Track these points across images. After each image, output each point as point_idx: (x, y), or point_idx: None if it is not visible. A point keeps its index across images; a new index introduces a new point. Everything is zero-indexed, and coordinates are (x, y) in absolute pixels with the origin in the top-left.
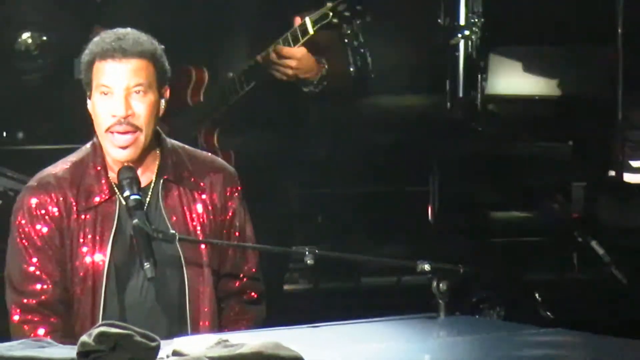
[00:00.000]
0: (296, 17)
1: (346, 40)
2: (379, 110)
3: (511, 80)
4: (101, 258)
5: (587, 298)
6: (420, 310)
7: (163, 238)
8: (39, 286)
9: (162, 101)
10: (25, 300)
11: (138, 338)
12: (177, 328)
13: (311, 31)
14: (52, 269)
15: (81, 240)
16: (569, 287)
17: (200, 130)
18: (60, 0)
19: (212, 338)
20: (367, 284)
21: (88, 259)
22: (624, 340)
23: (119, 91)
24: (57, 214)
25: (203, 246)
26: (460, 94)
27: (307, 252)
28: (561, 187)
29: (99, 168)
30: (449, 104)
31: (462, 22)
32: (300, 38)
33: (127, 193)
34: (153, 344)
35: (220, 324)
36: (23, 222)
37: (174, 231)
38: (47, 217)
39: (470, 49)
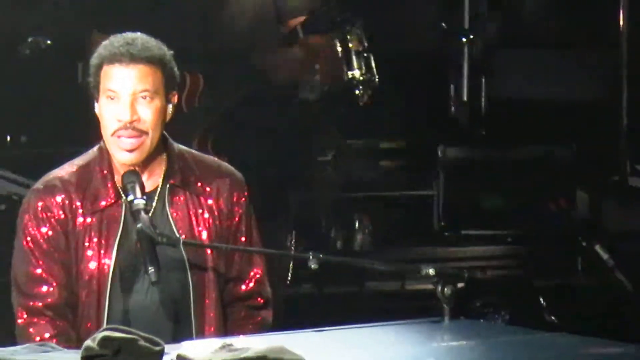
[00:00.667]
0: (289, 22)
1: (350, 45)
2: (383, 114)
3: (515, 84)
4: (107, 262)
5: (591, 302)
6: (424, 315)
7: (167, 242)
8: (45, 288)
9: (170, 106)
10: (31, 303)
11: (142, 342)
12: (182, 332)
13: (301, 35)
14: (58, 271)
15: (87, 243)
16: (574, 291)
17: (194, 137)
18: (64, 5)
19: (217, 342)
20: (372, 288)
21: (93, 263)
22: (628, 345)
23: (126, 96)
24: (62, 216)
25: (209, 251)
26: (465, 98)
27: (311, 257)
28: (565, 191)
29: (105, 172)
30: (453, 108)
31: (466, 25)
32: (292, 43)
33: (131, 197)
34: (157, 348)
35: (227, 329)
36: (29, 224)
37: (178, 235)
38: (52, 220)
39: (474, 53)
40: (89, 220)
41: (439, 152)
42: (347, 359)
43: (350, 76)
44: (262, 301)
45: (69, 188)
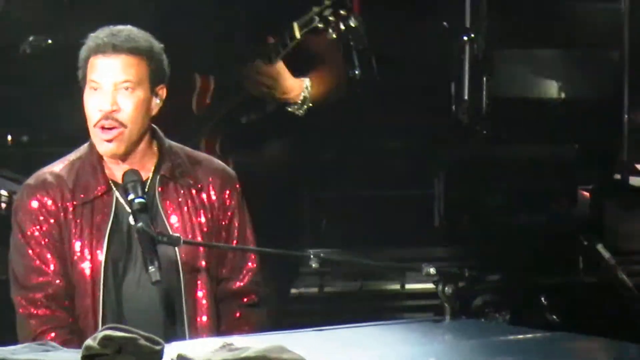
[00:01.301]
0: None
1: (351, 44)
2: (385, 113)
3: (516, 82)
4: (98, 252)
5: (592, 302)
6: (425, 314)
7: (167, 242)
8: (43, 279)
9: (156, 100)
10: (31, 294)
11: (142, 341)
12: (174, 323)
13: (298, 36)
14: (54, 262)
15: (79, 234)
16: (575, 290)
17: (202, 138)
18: (66, 4)
19: (217, 341)
20: (372, 287)
21: (87, 253)
22: (630, 344)
23: (107, 86)
24: (54, 208)
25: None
26: (466, 97)
27: (312, 256)
28: (567, 190)
29: (95, 164)
30: (454, 107)
31: (467, 24)
32: (289, 43)
33: (131, 196)
34: (157, 347)
35: (222, 329)
36: (24, 219)
37: (177, 235)
38: (46, 213)
39: (475, 52)
40: (80, 211)
41: (440, 151)
42: (347, 358)
43: (351, 75)
44: (256, 299)
45: (60, 181)
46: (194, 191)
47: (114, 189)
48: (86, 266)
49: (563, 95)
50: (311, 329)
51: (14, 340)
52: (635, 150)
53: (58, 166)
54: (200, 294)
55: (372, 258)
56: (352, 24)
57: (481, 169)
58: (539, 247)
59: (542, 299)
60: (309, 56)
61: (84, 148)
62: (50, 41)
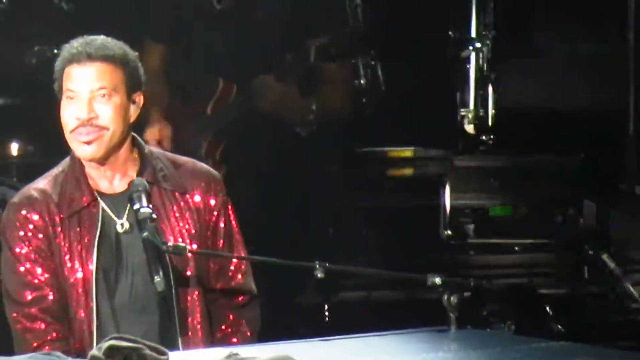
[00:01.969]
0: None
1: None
2: (390, 123)
3: (522, 93)
4: (88, 263)
5: (598, 312)
6: (431, 324)
7: (173, 251)
8: (37, 293)
9: (133, 107)
10: (26, 310)
11: (148, 351)
12: (168, 329)
13: (311, 59)
14: (47, 276)
15: (67, 246)
16: (580, 300)
17: (206, 139)
18: (71, 15)
19: (223, 351)
20: (378, 297)
21: (77, 265)
22: (635, 354)
23: (83, 94)
24: (42, 224)
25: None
26: (471, 107)
27: (317, 266)
28: (573, 200)
29: (78, 176)
30: (459, 117)
31: (473, 34)
32: (302, 65)
33: (137, 206)
34: (162, 357)
35: (216, 332)
36: (12, 237)
37: (184, 244)
38: (33, 229)
39: (481, 62)
40: (67, 223)
41: (445, 160)
42: None
43: (357, 85)
44: (246, 299)
45: (45, 196)
46: (177, 195)
47: (99, 198)
48: (77, 277)
49: (569, 105)
50: (317, 338)
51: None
52: None
53: (42, 182)
54: (191, 298)
55: (378, 268)
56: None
57: (487, 178)
58: (544, 257)
59: (547, 309)
60: (319, 76)
61: (65, 162)
62: (55, 51)
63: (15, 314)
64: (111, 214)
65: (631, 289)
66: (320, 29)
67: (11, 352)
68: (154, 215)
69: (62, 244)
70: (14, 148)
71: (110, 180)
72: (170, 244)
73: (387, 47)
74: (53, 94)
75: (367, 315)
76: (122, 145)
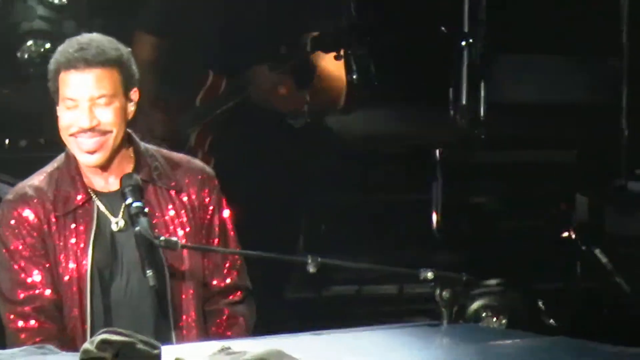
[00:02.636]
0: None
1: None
2: (381, 118)
3: (515, 87)
4: (84, 262)
5: (590, 306)
6: (423, 318)
7: (166, 245)
8: (30, 292)
9: (131, 104)
10: (19, 308)
11: (140, 345)
12: (162, 326)
13: (308, 49)
14: (41, 275)
15: (62, 244)
16: (573, 295)
17: (195, 129)
18: (64, 8)
19: (215, 345)
20: (370, 291)
21: (72, 263)
22: (627, 348)
23: (84, 102)
24: (36, 221)
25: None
26: (464, 102)
27: (309, 260)
28: (565, 195)
29: (73, 174)
30: (452, 112)
31: (465, 29)
32: (299, 56)
33: (129, 200)
34: (155, 351)
35: (211, 329)
36: (6, 234)
37: (174, 239)
38: (28, 226)
39: (473, 57)
40: (62, 222)
41: (438, 156)
42: None
43: (349, 80)
44: (241, 294)
45: (40, 193)
46: (173, 192)
47: (94, 196)
48: (72, 276)
49: (561, 100)
50: (309, 333)
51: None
52: (634, 155)
53: (37, 179)
54: (185, 295)
55: (369, 262)
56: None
57: (479, 173)
58: (537, 252)
59: (540, 303)
60: (313, 68)
61: (60, 158)
62: (48, 46)
63: (8, 313)
64: (106, 212)
65: (623, 283)
66: (315, 20)
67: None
68: (146, 210)
69: (57, 242)
70: (6, 143)
71: (105, 179)
72: (162, 238)
73: (379, 41)
74: (45, 88)
75: (359, 309)
76: (121, 145)
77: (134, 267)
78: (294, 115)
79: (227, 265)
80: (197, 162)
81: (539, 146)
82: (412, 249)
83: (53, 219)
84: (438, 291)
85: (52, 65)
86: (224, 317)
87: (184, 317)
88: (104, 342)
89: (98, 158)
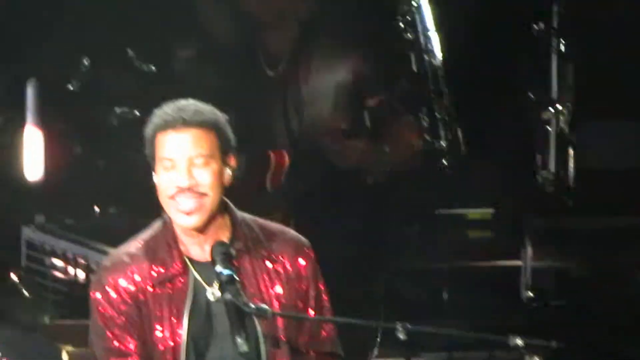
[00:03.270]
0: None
1: (437, 115)
2: (470, 184)
3: (602, 154)
4: (179, 331)
5: None
6: None
7: (257, 313)
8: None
9: (228, 170)
10: None
11: None
12: None
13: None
14: (134, 343)
15: (157, 314)
16: None
17: (276, 217)
18: (152, 77)
19: None
20: (460, 358)
21: (167, 333)
22: None
23: (182, 162)
24: (133, 290)
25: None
26: (552, 168)
27: (399, 327)
28: None
29: (169, 242)
30: (539, 178)
31: (554, 95)
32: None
33: (219, 269)
34: None
35: None
36: (102, 301)
37: (265, 306)
38: (123, 294)
39: (561, 123)
40: (158, 290)
41: (526, 222)
42: None
43: (437, 146)
44: None
45: (136, 261)
46: (268, 263)
47: (190, 265)
48: (167, 345)
49: None
50: None
51: None
52: None
53: (134, 246)
54: None
55: (459, 329)
56: (445, 95)
57: (567, 240)
58: (625, 318)
59: None
60: (388, 130)
61: (157, 226)
62: (137, 113)
63: None
64: (202, 281)
65: None
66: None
67: None
68: (237, 278)
69: (152, 311)
70: (96, 210)
71: (201, 247)
72: (253, 305)
73: (466, 107)
74: (133, 156)
75: None
76: (218, 212)
77: (229, 337)
78: (373, 172)
79: (323, 334)
80: (293, 233)
81: (625, 213)
82: (501, 315)
83: (149, 288)
84: (527, 358)
85: (148, 129)
86: None
87: None
88: None
89: (196, 220)
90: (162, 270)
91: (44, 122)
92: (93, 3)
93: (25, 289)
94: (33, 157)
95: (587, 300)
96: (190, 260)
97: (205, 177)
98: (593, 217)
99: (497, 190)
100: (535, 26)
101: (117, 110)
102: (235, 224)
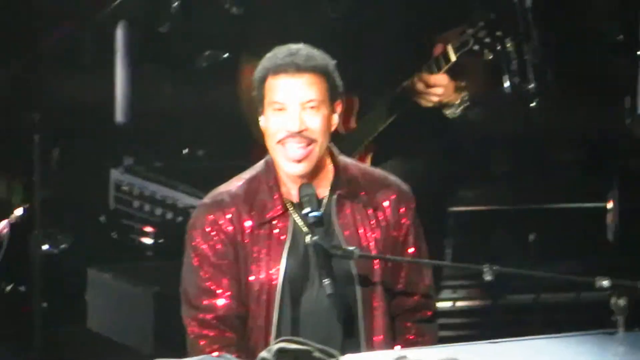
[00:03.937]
0: (437, 44)
1: (526, 57)
2: (556, 125)
3: None
4: (275, 273)
5: None
6: (600, 326)
7: (342, 255)
8: (215, 301)
9: (335, 116)
10: (201, 315)
11: (317, 354)
12: (351, 340)
13: (454, 58)
14: (227, 284)
15: (255, 255)
16: None
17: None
18: (242, 19)
19: (390, 354)
20: (546, 299)
21: (262, 274)
22: None
23: (293, 107)
24: (231, 230)
25: (376, 262)
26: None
27: (485, 269)
28: None
29: (271, 184)
30: (628, 120)
31: None
32: (444, 65)
33: (307, 210)
34: (332, 359)
35: (395, 342)
36: (198, 239)
37: (352, 248)
38: (221, 233)
39: None
40: (256, 232)
41: (613, 164)
42: None
43: (526, 89)
44: (430, 314)
45: (236, 201)
46: (369, 209)
47: (290, 209)
48: (262, 287)
49: None
50: (485, 341)
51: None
52: None
53: (234, 185)
54: (376, 309)
55: (545, 271)
56: (509, 45)
57: None
58: None
59: None
60: (462, 77)
61: (259, 166)
62: (226, 55)
63: (190, 318)
64: (301, 225)
65: None
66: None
67: (185, 354)
68: (323, 220)
69: (250, 252)
70: (185, 153)
71: None
72: (340, 247)
73: (556, 50)
74: (221, 98)
75: (535, 317)
76: (323, 156)
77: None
78: (453, 105)
79: (421, 283)
80: (394, 179)
81: None
82: (587, 256)
83: (247, 229)
84: (614, 299)
85: (258, 73)
86: (412, 335)
87: (374, 330)
88: (281, 351)
89: (304, 167)
90: (262, 212)
91: (133, 64)
92: None
93: (113, 231)
94: (122, 99)
95: None
96: (291, 203)
97: (316, 123)
98: None
99: (586, 131)
100: None
101: (206, 52)
102: (337, 169)
